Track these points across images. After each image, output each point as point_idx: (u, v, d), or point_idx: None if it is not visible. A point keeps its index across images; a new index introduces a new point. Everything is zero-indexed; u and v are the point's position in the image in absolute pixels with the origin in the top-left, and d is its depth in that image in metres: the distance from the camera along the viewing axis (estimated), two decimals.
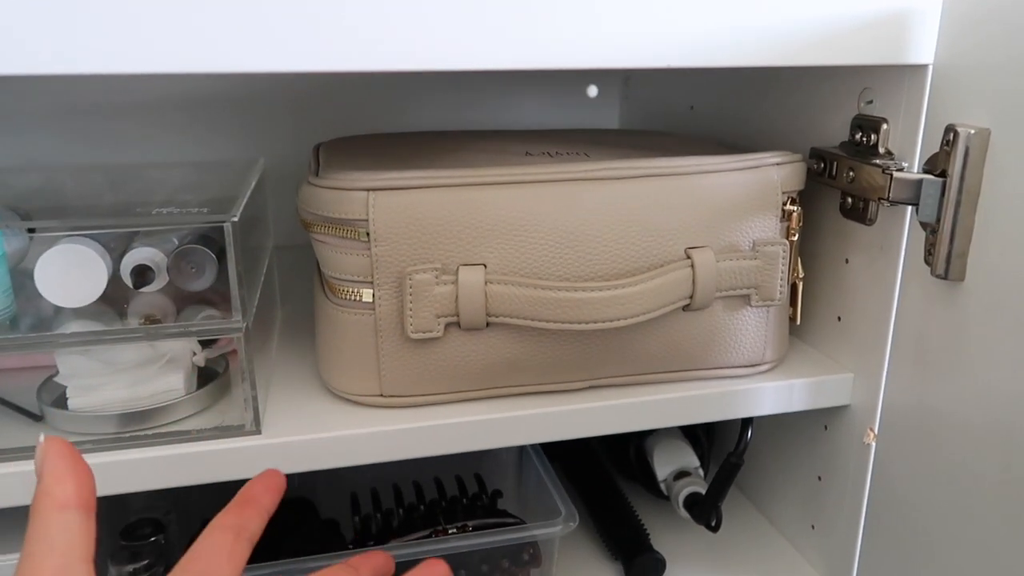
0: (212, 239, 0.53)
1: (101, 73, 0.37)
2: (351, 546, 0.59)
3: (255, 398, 0.48)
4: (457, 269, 0.47)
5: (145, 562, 0.52)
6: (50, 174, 0.69)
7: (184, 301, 0.53)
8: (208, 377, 0.53)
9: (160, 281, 0.52)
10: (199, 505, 0.59)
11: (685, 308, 0.51)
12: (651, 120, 0.89)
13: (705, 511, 0.62)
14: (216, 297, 0.53)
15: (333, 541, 0.59)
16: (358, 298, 0.49)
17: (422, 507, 0.61)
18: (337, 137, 0.66)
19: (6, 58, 0.36)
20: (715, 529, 0.62)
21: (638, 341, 0.52)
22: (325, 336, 0.52)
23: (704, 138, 0.68)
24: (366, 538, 0.59)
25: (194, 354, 0.53)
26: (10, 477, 0.45)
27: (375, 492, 0.61)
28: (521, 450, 0.67)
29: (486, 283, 0.47)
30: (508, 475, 0.68)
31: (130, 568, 0.52)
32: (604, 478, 0.74)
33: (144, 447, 0.47)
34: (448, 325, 0.48)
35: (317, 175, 0.50)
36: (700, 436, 0.72)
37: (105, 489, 0.47)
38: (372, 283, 0.48)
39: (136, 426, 0.48)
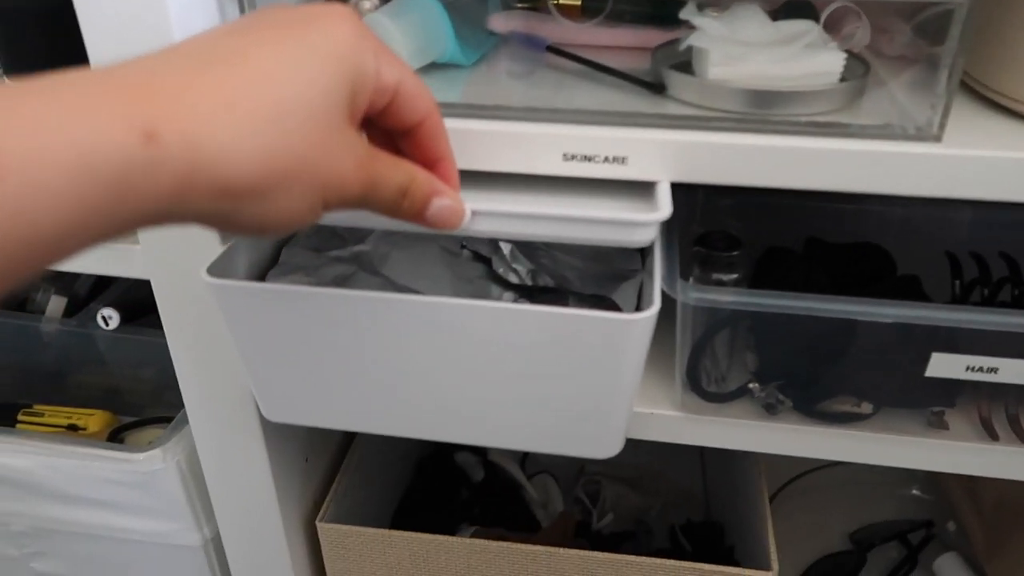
0: None
1: None
2: None
3: (949, 98, 0.37)
4: None
5: (735, 275, 0.48)
6: None
7: None
8: None
9: None
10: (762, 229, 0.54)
11: None
12: None
13: None
14: None
15: (913, 297, 0.50)
16: None
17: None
18: None
19: None
20: None
21: None
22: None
23: None
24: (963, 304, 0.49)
25: (824, 43, 0.44)
26: (633, 143, 0.41)
27: (978, 256, 0.50)
28: None
29: None
30: None
31: (715, 277, 0.48)
32: None
33: (790, 135, 0.40)
34: None
35: None
36: None
37: (734, 178, 0.41)
38: None
39: (776, 109, 0.41)
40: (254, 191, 0.27)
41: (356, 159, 0.31)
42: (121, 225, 0.25)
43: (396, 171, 0.34)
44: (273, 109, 0.27)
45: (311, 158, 0.29)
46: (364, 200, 0.32)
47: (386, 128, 0.35)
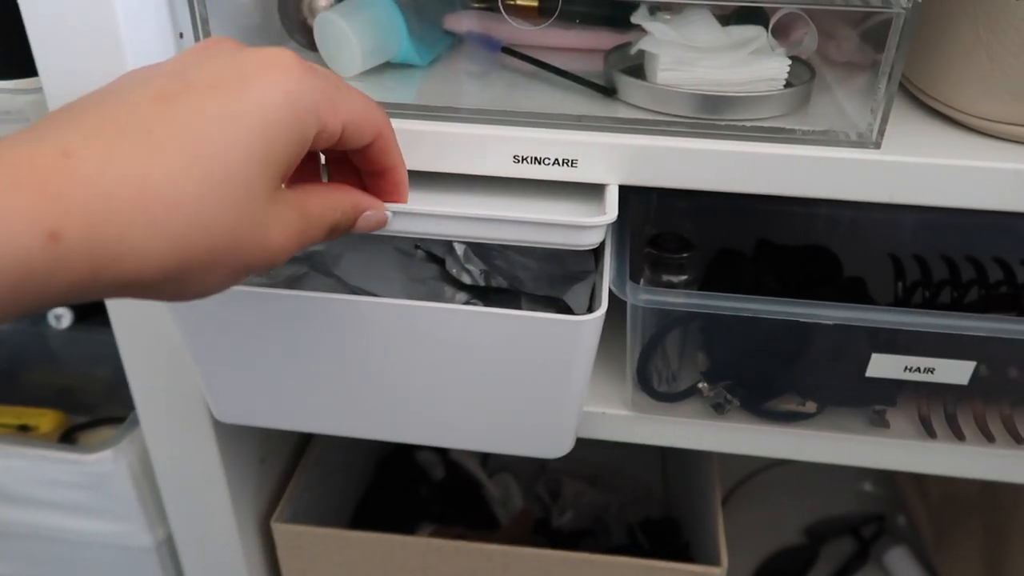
0: None
1: None
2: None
3: (887, 104, 0.38)
4: None
5: (685, 277, 0.49)
6: None
7: None
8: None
9: None
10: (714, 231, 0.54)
11: None
12: None
13: None
14: None
15: (858, 299, 0.51)
16: None
17: (978, 288, 0.50)
18: None
19: None
20: None
21: None
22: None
23: None
24: (905, 306, 0.50)
25: (772, 49, 0.45)
26: (583, 146, 0.42)
27: (921, 259, 0.51)
28: None
29: None
30: None
31: (665, 279, 0.49)
32: None
33: (736, 140, 0.40)
34: None
35: None
36: None
37: (680, 182, 0.42)
38: None
39: (724, 114, 0.41)
40: (166, 281, 0.27)
41: (283, 230, 0.30)
42: (24, 310, 0.24)
43: (329, 212, 0.33)
44: (191, 197, 0.26)
45: (231, 242, 0.28)
46: (294, 254, 0.32)
47: (333, 153, 0.35)
